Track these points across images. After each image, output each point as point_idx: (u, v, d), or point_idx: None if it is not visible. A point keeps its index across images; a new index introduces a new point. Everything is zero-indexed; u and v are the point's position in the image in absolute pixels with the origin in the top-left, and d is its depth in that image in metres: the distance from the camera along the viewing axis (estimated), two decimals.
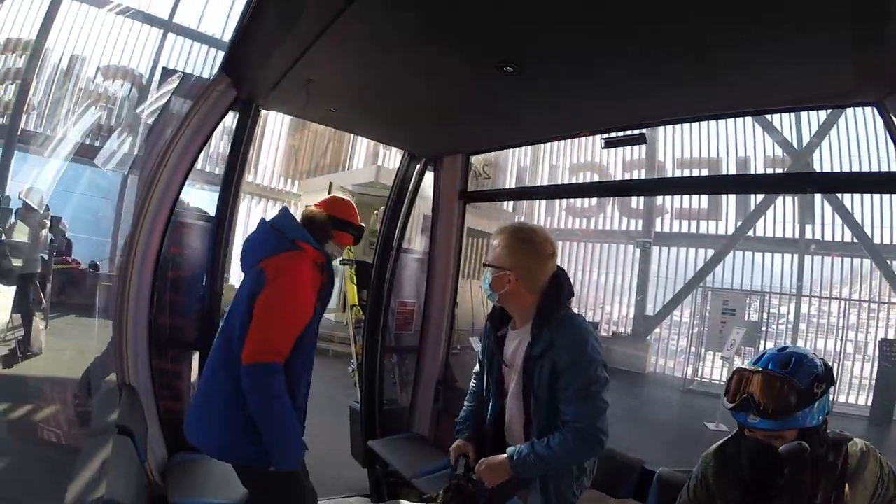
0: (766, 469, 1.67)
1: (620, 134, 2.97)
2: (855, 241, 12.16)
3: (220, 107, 2.95)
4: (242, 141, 3.13)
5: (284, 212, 2.51)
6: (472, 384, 2.51)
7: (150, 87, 13.05)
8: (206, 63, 14.14)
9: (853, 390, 11.38)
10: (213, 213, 3.20)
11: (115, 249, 11.89)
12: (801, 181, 4.47)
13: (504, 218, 14.85)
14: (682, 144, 14.50)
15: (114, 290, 3.02)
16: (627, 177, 14.92)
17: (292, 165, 16.37)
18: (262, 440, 2.15)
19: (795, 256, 12.95)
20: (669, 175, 14.28)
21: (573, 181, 15.69)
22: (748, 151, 13.53)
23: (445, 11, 1.91)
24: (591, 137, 3.30)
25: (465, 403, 2.49)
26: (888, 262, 11.81)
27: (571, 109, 2.75)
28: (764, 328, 12.09)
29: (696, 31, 1.80)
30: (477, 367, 2.48)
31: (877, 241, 11.99)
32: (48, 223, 7.93)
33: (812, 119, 12.46)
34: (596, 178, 15.46)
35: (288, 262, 2.28)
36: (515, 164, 16.93)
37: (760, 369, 1.70)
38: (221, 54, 3.09)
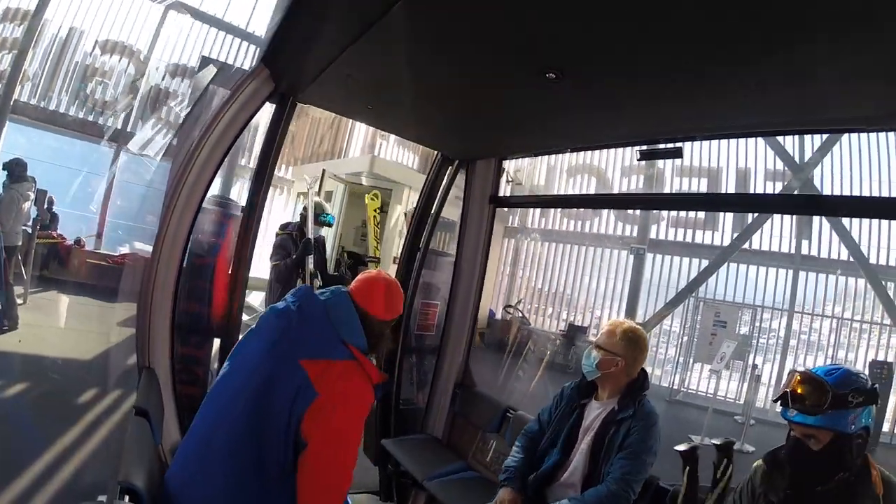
0: (801, 465, 1.91)
1: (656, 147, 3.04)
2: (851, 259, 12.19)
3: (258, 98, 2.96)
4: (277, 133, 3.13)
5: (344, 300, 2.05)
6: (522, 440, 2.84)
7: (149, 64, 12.99)
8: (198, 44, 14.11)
9: None
10: None
11: (104, 226, 11.74)
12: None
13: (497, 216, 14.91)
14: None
15: (141, 273, 3.01)
16: (625, 182, 14.97)
17: (287, 151, 16.23)
18: None
19: (790, 272, 12.95)
20: (666, 184, 14.31)
21: (570, 183, 15.71)
22: (748, 163, 13.59)
23: (493, 17, 1.93)
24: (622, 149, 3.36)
25: (515, 455, 2.78)
26: (883, 283, 11.86)
27: (609, 119, 2.80)
28: (754, 342, 12.05)
29: (744, 45, 1.81)
30: (534, 426, 2.86)
31: (873, 261, 12.04)
32: (33, 195, 7.82)
33: (816, 137, 12.58)
34: (594, 182, 15.41)
35: (348, 381, 1.91)
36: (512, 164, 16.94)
37: (804, 370, 1.97)
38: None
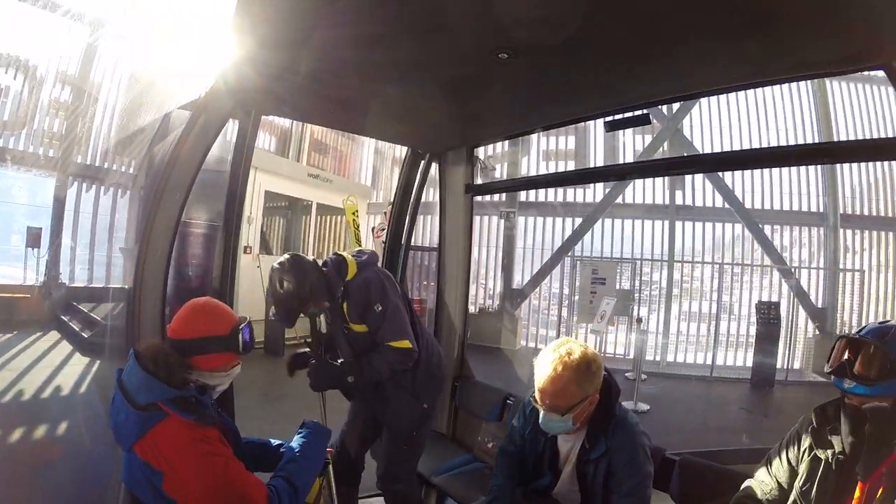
0: (861, 434, 1.83)
1: (622, 116, 3.13)
2: (726, 206, 12.95)
3: (220, 116, 3.02)
4: (244, 149, 3.17)
5: (130, 365, 2.08)
6: (501, 462, 2.67)
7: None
8: None
9: (731, 347, 12.38)
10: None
11: None
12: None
13: (360, 192, 14.80)
14: None
15: (126, 304, 3.09)
16: None
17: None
18: None
19: (666, 223, 13.58)
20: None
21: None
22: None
23: (432, 3, 2.05)
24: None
25: (497, 476, 2.62)
26: (760, 225, 12.77)
27: (571, 93, 2.90)
28: (637, 295, 12.47)
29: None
30: (509, 447, 2.67)
31: (748, 205, 12.91)
32: None
33: None
34: None
35: (167, 442, 1.94)
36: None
37: (857, 337, 1.93)
38: None
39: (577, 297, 12.07)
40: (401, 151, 16.44)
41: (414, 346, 3.02)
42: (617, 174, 5.31)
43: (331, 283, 3.04)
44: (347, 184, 15.11)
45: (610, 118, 3.16)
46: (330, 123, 3.87)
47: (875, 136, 12.30)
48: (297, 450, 2.32)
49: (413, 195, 4.05)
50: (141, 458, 1.93)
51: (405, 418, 3.17)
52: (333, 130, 15.39)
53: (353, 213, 5.18)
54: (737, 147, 12.75)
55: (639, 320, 10.50)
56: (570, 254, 13.77)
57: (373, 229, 5.77)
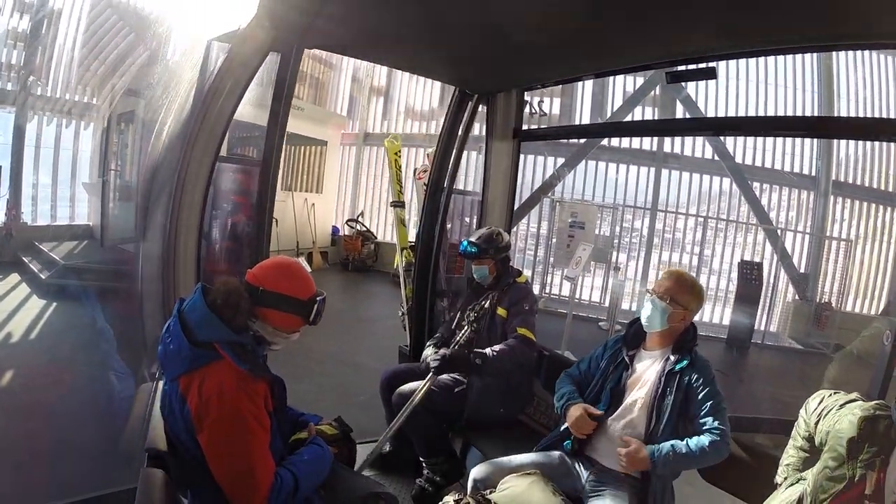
0: None
1: (686, 68, 3.05)
2: (715, 158, 12.81)
3: (260, 51, 2.95)
4: (285, 85, 3.11)
5: (196, 299, 2.12)
6: (565, 377, 3.01)
7: None
8: None
9: (708, 302, 12.32)
10: None
11: None
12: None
13: (334, 122, 14.93)
14: None
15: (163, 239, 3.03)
16: None
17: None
18: None
19: (652, 170, 13.37)
20: None
21: None
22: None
23: None
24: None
25: (564, 384, 2.96)
26: (749, 182, 12.64)
27: (636, 38, 2.80)
28: (616, 241, 12.40)
29: None
30: (574, 371, 3.02)
31: (738, 160, 12.78)
32: None
33: None
34: None
35: (208, 385, 1.98)
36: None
37: None
38: None
39: (554, 240, 11.69)
40: (379, 80, 16.39)
41: (535, 338, 3.51)
42: (673, 130, 5.22)
43: (507, 268, 3.69)
44: (321, 112, 14.80)
45: (671, 69, 3.07)
46: (376, 59, 3.79)
47: (877, 105, 12.34)
48: (310, 455, 2.31)
49: (458, 139, 3.98)
50: (181, 390, 1.99)
51: (489, 414, 3.51)
52: (310, 56, 14.91)
53: (396, 154, 5.08)
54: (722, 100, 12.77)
55: (616, 268, 10.59)
56: (549, 194, 13.41)
57: (415, 171, 5.69)
